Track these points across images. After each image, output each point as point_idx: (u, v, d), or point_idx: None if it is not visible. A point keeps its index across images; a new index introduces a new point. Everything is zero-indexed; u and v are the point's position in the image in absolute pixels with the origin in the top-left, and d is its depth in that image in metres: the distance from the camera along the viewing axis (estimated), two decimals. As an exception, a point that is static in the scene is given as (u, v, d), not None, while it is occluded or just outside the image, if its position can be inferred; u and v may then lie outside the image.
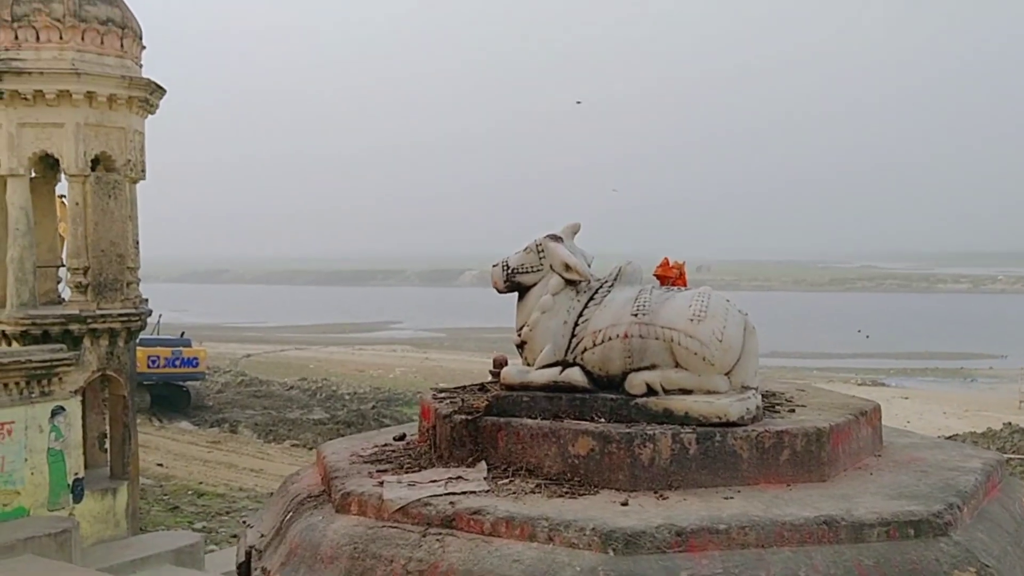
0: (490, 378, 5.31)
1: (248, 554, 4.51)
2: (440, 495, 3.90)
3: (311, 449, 32.75)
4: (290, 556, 4.00)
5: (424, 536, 3.74)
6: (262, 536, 4.46)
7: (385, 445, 4.88)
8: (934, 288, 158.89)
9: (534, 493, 3.96)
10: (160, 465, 29.92)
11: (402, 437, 5.00)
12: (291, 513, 4.30)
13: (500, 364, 5.03)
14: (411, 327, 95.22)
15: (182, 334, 42.67)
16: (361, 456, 4.64)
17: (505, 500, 3.87)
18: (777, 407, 4.73)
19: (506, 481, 4.09)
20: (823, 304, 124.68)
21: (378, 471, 4.34)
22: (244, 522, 4.73)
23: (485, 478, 4.10)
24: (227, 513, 24.89)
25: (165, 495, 26.45)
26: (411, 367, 58.31)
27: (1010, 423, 36.47)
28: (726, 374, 4.31)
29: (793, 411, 4.67)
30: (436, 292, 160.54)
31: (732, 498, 3.94)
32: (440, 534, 3.72)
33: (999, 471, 4.67)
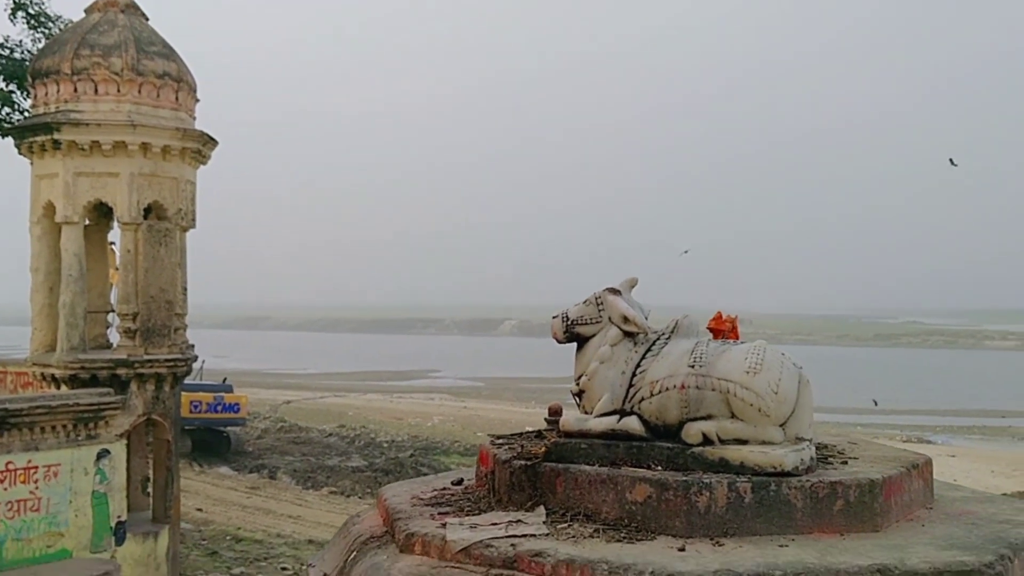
0: (546, 426, 5.42)
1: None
2: (501, 537, 4.01)
3: (349, 496, 32.78)
4: (355, 595, 4.11)
5: (487, 576, 3.84)
6: (325, 575, 4.58)
7: (444, 489, 4.99)
8: (981, 345, 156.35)
9: (592, 537, 4.06)
10: (199, 510, 30.08)
11: (460, 482, 5.12)
12: (355, 553, 4.41)
13: (556, 412, 5.14)
14: (450, 376, 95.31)
15: (224, 380, 43.01)
16: (422, 499, 4.76)
17: (565, 544, 3.96)
18: (830, 459, 4.81)
19: (565, 525, 4.19)
20: (867, 359, 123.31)
21: (439, 513, 4.46)
22: (309, 564, 4.84)
23: (544, 522, 4.20)
24: (265, 559, 24.94)
25: (204, 540, 26.54)
26: (449, 416, 58.25)
27: (1060, 483, 35.70)
28: (781, 425, 4.41)
29: (846, 463, 4.75)
30: (475, 341, 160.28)
31: (787, 546, 4.01)
32: (502, 574, 3.82)
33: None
